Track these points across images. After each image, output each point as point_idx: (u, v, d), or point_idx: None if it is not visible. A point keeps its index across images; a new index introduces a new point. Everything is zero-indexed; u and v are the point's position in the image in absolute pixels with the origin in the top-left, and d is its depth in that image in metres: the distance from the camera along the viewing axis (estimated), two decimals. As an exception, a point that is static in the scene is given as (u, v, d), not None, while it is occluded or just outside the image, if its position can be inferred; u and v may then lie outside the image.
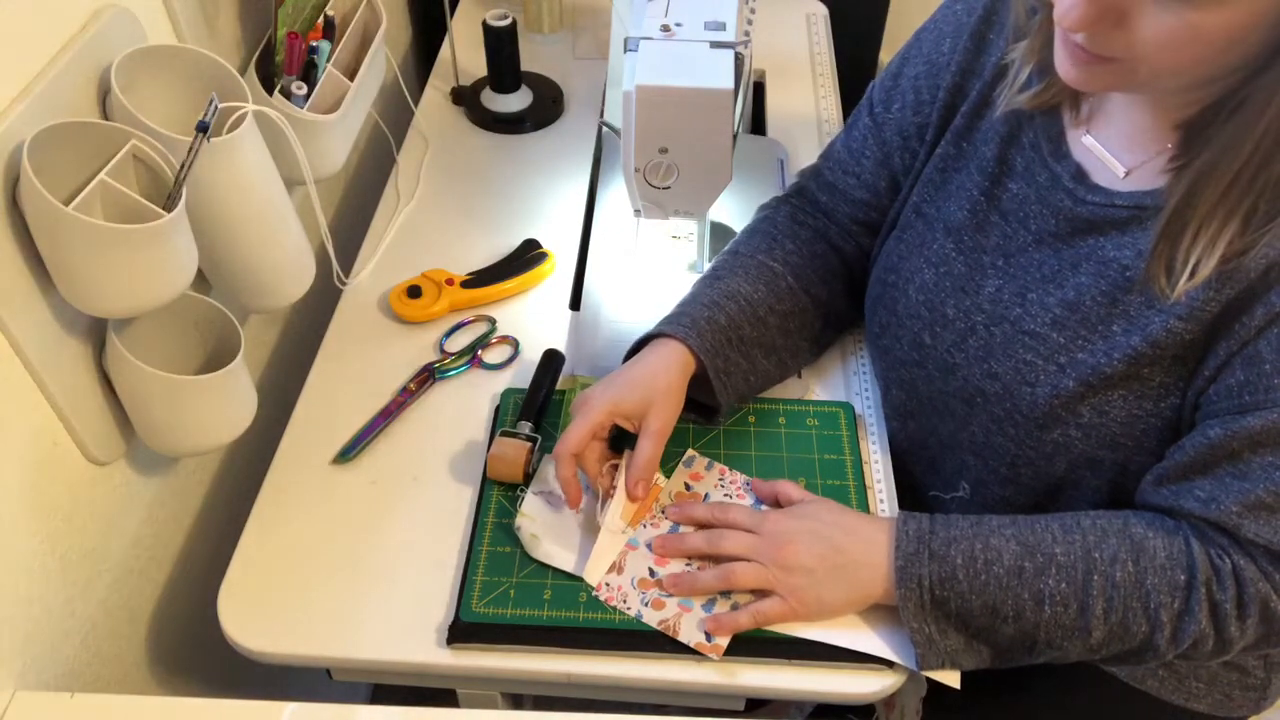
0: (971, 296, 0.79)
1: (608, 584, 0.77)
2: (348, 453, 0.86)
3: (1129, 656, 0.72)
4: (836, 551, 0.74)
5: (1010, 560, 0.71)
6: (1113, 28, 0.60)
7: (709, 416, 0.88)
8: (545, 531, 0.80)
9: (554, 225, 1.10)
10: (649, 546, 0.79)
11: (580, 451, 0.79)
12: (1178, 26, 0.57)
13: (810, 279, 0.91)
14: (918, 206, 0.85)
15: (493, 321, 0.99)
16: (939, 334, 0.81)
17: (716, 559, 0.77)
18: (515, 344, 0.97)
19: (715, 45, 0.83)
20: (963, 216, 0.80)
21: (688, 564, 0.78)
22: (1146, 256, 0.68)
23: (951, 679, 0.73)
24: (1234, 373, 0.66)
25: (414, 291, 0.98)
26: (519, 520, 0.80)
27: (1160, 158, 0.69)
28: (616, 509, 0.79)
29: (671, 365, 0.81)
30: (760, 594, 0.75)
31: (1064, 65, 0.65)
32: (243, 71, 0.81)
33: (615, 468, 0.82)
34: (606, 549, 0.78)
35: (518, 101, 1.23)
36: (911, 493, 0.90)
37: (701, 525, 0.80)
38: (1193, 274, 0.64)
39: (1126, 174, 0.72)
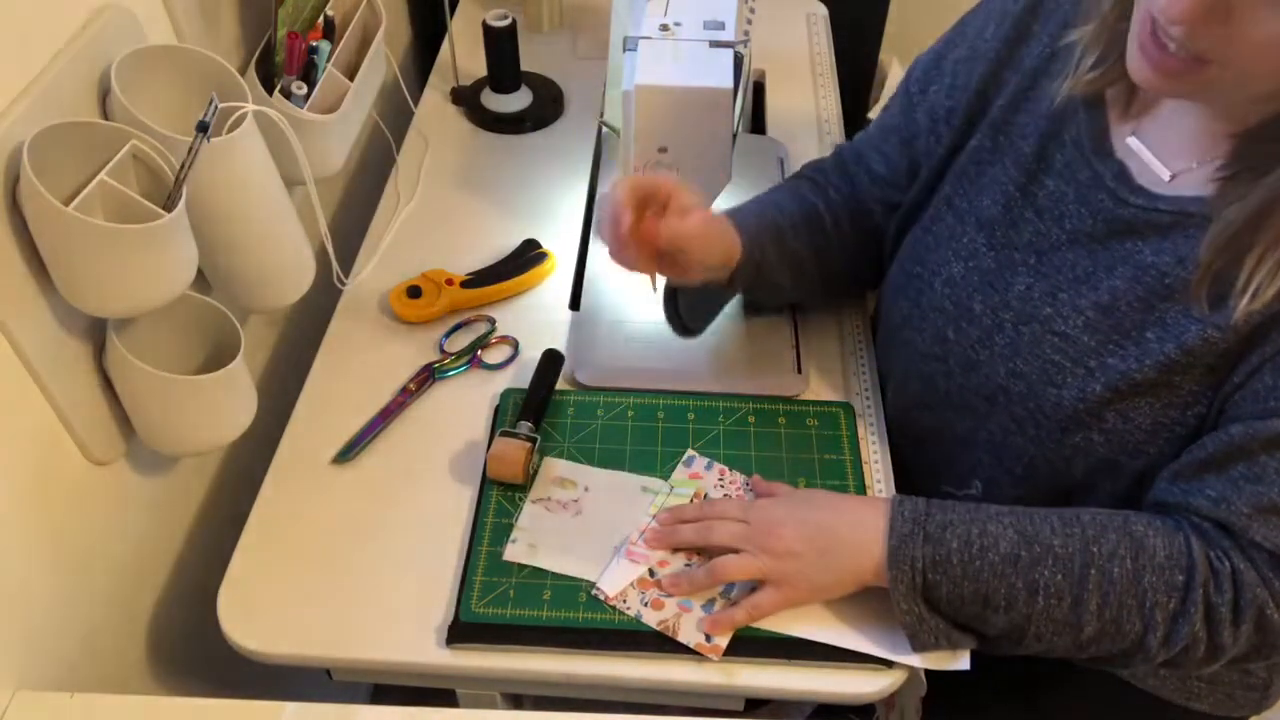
0: (1000, 293, 0.78)
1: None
2: (347, 453, 0.86)
3: (1118, 658, 0.72)
4: (823, 533, 0.74)
5: (1006, 548, 0.70)
6: (1214, 25, 0.58)
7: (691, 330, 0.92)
8: (542, 540, 0.80)
9: (554, 225, 1.10)
10: (644, 542, 0.79)
11: (634, 201, 0.74)
12: None
13: (845, 231, 0.92)
14: (949, 199, 0.84)
15: (492, 321, 0.99)
16: (964, 329, 0.80)
17: (709, 550, 0.77)
18: (515, 344, 0.97)
19: (715, 45, 0.83)
20: (996, 211, 0.79)
21: (688, 564, 0.78)
22: (1191, 267, 0.67)
23: (960, 661, 0.73)
24: (1262, 378, 0.66)
25: (414, 291, 0.98)
26: (514, 533, 0.80)
27: (1208, 165, 0.68)
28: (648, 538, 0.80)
29: (737, 244, 0.83)
30: (758, 586, 0.75)
31: (1140, 64, 0.63)
32: (243, 71, 0.81)
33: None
34: (630, 570, 0.78)
35: (518, 101, 1.23)
36: (923, 488, 0.89)
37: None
38: (1254, 296, 0.63)
39: (1172, 179, 0.70)
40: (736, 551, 0.75)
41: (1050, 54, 0.77)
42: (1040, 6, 0.78)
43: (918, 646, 0.72)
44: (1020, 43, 0.79)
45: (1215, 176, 0.67)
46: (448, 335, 0.97)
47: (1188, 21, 0.58)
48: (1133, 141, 0.73)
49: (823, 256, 0.92)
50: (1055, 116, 0.76)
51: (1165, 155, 0.71)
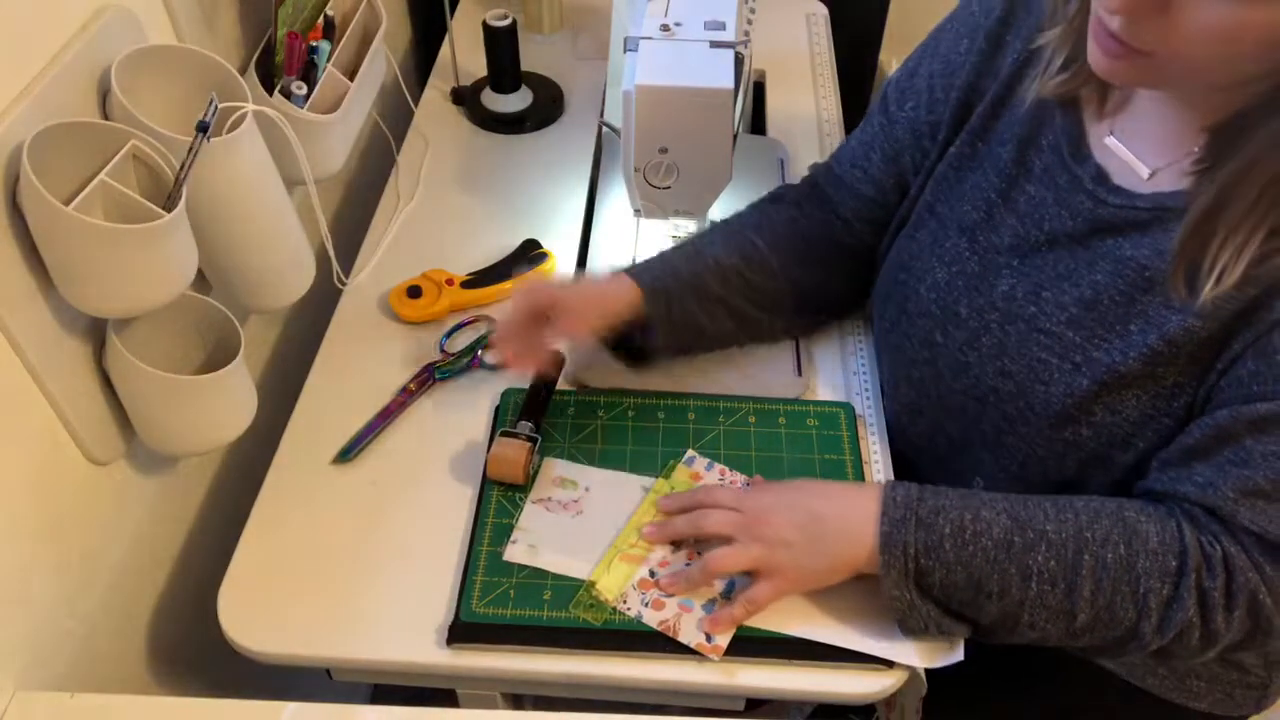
0: (985, 295, 0.79)
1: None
2: (348, 453, 0.86)
3: (1112, 646, 0.72)
4: (815, 520, 0.73)
5: (999, 533, 0.70)
6: (1153, 16, 0.59)
7: (645, 360, 0.91)
8: (542, 541, 0.80)
9: (554, 225, 1.10)
10: (642, 538, 0.79)
11: (517, 334, 0.83)
12: (1221, 21, 0.57)
13: (791, 261, 0.91)
14: (931, 205, 0.84)
15: (492, 321, 0.99)
16: (951, 333, 0.81)
17: (703, 543, 0.77)
18: (515, 343, 0.97)
19: (715, 45, 0.83)
20: (978, 217, 0.80)
21: (688, 563, 0.78)
22: (1169, 259, 0.67)
23: (955, 654, 0.73)
24: (1245, 363, 0.66)
25: (414, 291, 0.98)
26: (515, 534, 0.80)
27: (1184, 160, 0.69)
28: (632, 534, 0.80)
29: (619, 293, 0.84)
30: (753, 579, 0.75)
31: (1095, 54, 0.64)
32: (243, 71, 0.81)
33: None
34: (627, 572, 0.78)
35: (518, 101, 1.23)
36: None
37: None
38: (1219, 280, 0.63)
39: (1150, 175, 0.71)
40: (730, 541, 0.75)
41: (1025, 60, 0.78)
42: (1011, 16, 0.79)
43: (906, 632, 0.72)
44: (994, 54, 0.80)
45: (1191, 170, 0.68)
46: (448, 335, 0.97)
47: (1125, 13, 0.59)
48: (1111, 141, 0.73)
49: (762, 292, 0.90)
50: (1032, 121, 0.77)
51: (1143, 153, 0.72)
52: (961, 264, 0.80)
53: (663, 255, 0.89)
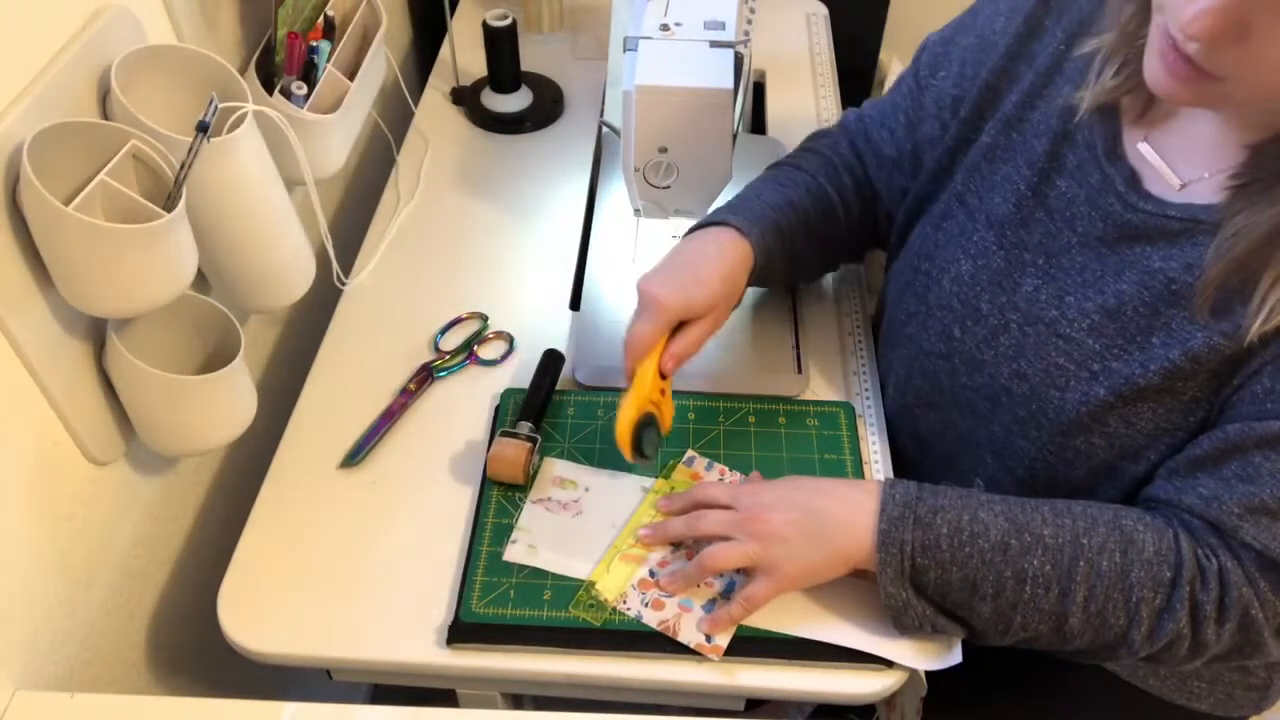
0: (1008, 293, 0.78)
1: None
2: (354, 457, 0.86)
3: (1101, 651, 0.71)
4: (811, 516, 0.73)
5: (997, 535, 0.70)
6: (1231, 42, 0.57)
7: None
8: (542, 541, 0.80)
9: (554, 225, 1.10)
10: (640, 541, 0.79)
11: (651, 351, 0.80)
12: None
13: (855, 218, 0.95)
14: (960, 195, 0.83)
15: (484, 318, 0.98)
16: (970, 328, 0.80)
17: (699, 540, 0.77)
18: (510, 339, 0.97)
19: (715, 45, 0.83)
20: (1007, 210, 0.79)
21: (687, 563, 0.78)
22: (1197, 275, 0.67)
23: (952, 656, 0.73)
24: (1261, 380, 0.66)
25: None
26: (515, 534, 0.80)
27: (1220, 174, 0.68)
28: (632, 534, 0.80)
29: (737, 262, 0.84)
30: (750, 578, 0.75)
31: (1159, 73, 0.62)
32: (243, 71, 0.81)
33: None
34: (627, 572, 0.78)
35: (518, 101, 1.23)
36: None
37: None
38: (1269, 317, 0.63)
39: (1182, 187, 0.70)
40: (727, 539, 0.75)
41: (1064, 51, 0.76)
42: (1054, 2, 0.78)
43: (900, 629, 0.73)
44: (1032, 38, 0.79)
45: (1226, 185, 0.67)
46: (441, 333, 0.97)
47: (1206, 39, 0.57)
48: (1144, 148, 0.72)
49: (829, 247, 0.95)
50: (1068, 116, 0.76)
51: (1177, 163, 0.71)
52: (987, 258, 0.80)
53: (763, 201, 0.89)
